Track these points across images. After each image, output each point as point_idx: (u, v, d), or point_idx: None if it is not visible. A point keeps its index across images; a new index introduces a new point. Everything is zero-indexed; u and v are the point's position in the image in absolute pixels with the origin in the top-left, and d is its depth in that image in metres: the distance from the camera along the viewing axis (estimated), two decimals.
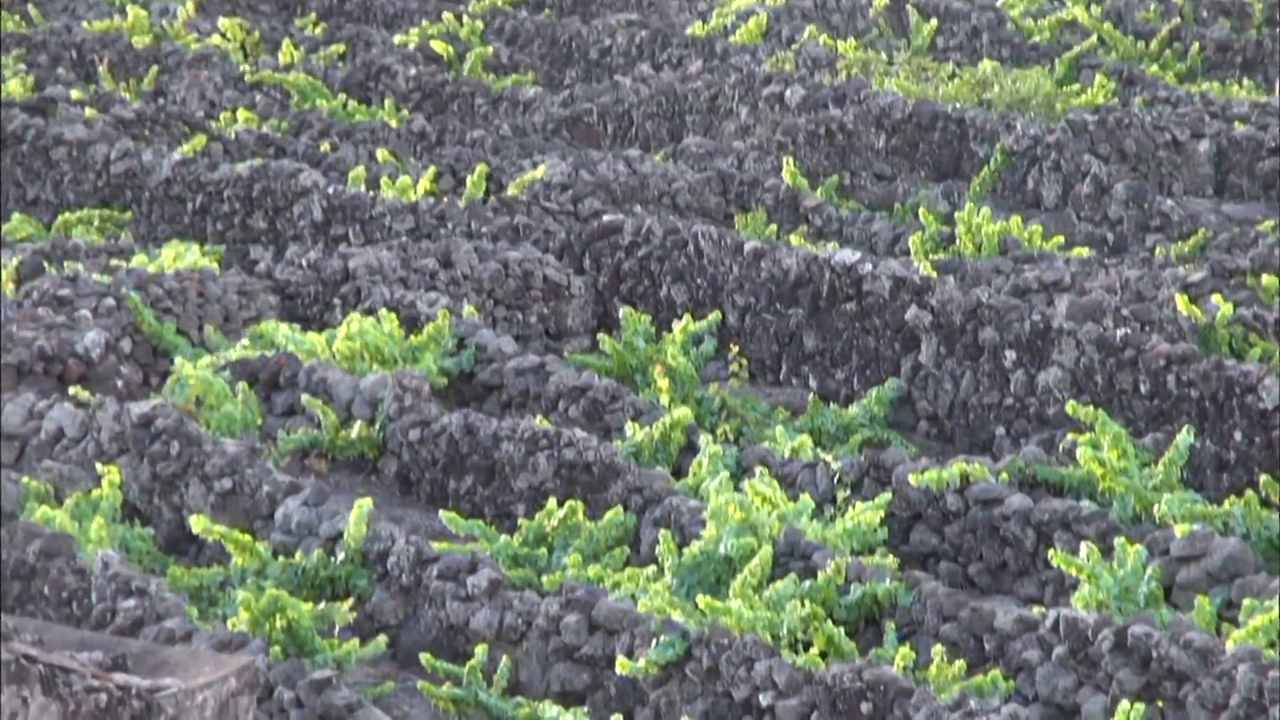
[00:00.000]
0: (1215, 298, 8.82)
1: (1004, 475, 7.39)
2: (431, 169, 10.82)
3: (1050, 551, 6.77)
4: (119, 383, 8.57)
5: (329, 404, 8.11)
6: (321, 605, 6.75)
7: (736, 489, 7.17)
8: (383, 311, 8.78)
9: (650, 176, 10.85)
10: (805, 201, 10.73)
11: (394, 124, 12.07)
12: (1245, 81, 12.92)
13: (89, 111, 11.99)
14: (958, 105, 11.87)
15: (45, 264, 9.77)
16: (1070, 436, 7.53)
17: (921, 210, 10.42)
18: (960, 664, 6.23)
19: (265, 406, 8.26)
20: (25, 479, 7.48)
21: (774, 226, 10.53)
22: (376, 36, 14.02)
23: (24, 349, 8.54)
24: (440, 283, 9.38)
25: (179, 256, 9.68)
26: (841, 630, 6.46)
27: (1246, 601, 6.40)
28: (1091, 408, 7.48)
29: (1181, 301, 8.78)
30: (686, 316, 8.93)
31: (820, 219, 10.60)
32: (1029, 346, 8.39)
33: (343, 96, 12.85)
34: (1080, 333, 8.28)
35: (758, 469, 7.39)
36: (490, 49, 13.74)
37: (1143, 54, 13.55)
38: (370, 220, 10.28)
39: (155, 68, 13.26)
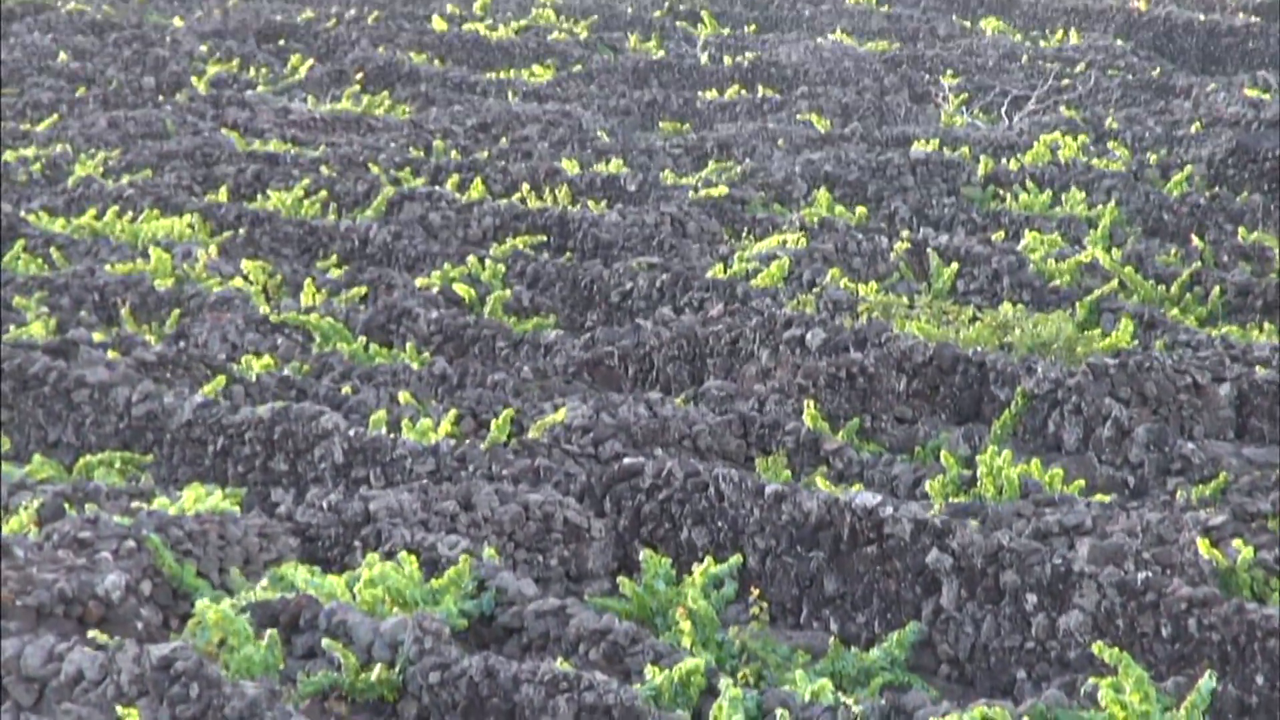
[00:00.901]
0: (1236, 542, 8.97)
1: (1026, 719, 7.52)
2: (453, 411, 11.02)
3: None
4: (139, 625, 8.73)
5: (349, 646, 8.25)
6: None
7: None
8: (403, 554, 8.95)
9: (671, 419, 11.07)
10: (826, 444, 10.91)
11: (415, 366, 12.32)
12: (1266, 325, 13.17)
13: (111, 354, 12.26)
14: (979, 349, 12.09)
15: (66, 506, 9.97)
16: (1092, 680, 7.66)
17: (943, 453, 10.60)
18: None
19: (286, 649, 8.40)
20: None
21: (795, 469, 10.72)
22: (398, 279, 14.33)
23: (44, 591, 8.70)
24: (461, 525, 9.56)
25: (200, 499, 9.87)
26: None
27: None
28: (1115, 650, 7.61)
29: (1203, 545, 8.93)
30: (707, 559, 9.08)
31: (841, 462, 10.78)
32: (1050, 590, 8.53)
33: (364, 339, 13.11)
34: (1101, 576, 8.43)
35: (778, 712, 7.51)
36: (511, 292, 14.04)
37: (1164, 297, 13.82)
38: (391, 463, 10.49)
39: (177, 310, 13.54)
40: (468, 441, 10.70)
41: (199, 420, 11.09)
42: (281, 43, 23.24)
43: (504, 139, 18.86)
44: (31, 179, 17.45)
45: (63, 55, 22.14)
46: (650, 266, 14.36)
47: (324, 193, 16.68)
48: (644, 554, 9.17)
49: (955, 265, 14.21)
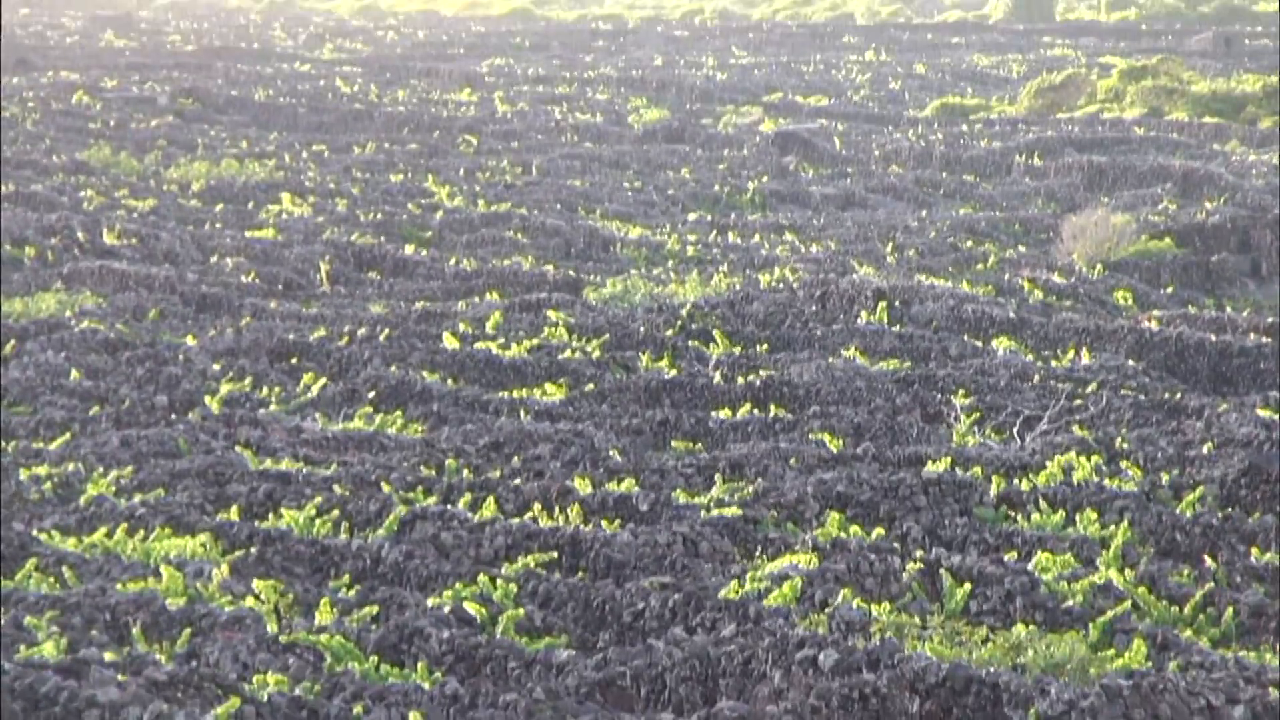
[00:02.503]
0: None
1: None
2: None
3: None
4: None
5: None
6: None
7: None
8: None
9: None
10: None
11: (427, 686, 12.54)
12: (1279, 646, 13.40)
13: (121, 675, 12.46)
14: (992, 669, 12.30)
15: None
16: None
17: None
18: None
19: None
20: None
21: None
22: (410, 599, 14.59)
23: None
24: None
25: None
26: None
27: None
28: None
29: None
30: None
31: None
32: None
33: (375, 658, 13.35)
34: None
35: None
36: (523, 611, 14.29)
37: (1177, 618, 14.06)
38: None
39: (189, 629, 13.79)
40: None
41: None
42: (294, 361, 23.77)
43: (516, 458, 19.26)
44: (44, 497, 17.85)
45: (75, 374, 22.68)
46: (662, 586, 14.64)
47: (336, 511, 17.05)
48: None
49: (968, 586, 14.47)
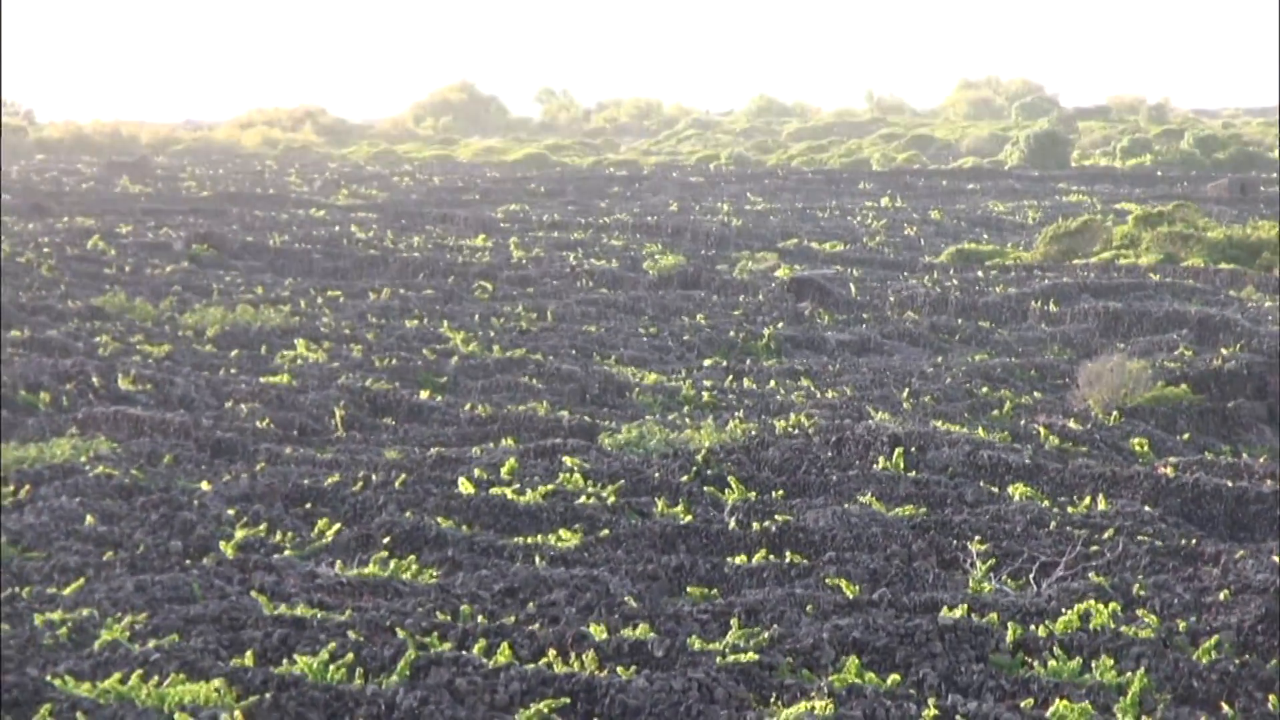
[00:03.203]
0: None
1: None
2: None
3: None
4: None
5: None
6: None
7: None
8: None
9: None
10: None
11: None
12: None
13: None
14: None
15: None
16: None
17: None
18: None
19: None
20: None
21: None
22: None
23: None
24: None
25: None
26: None
27: None
28: None
29: None
30: None
31: None
32: None
33: None
34: None
35: None
36: None
37: None
38: None
39: None
40: None
41: None
42: (308, 506, 23.93)
43: (531, 603, 19.37)
44: (58, 643, 17.97)
45: (89, 519, 22.85)
46: None
47: (350, 657, 17.15)
48: None
49: None
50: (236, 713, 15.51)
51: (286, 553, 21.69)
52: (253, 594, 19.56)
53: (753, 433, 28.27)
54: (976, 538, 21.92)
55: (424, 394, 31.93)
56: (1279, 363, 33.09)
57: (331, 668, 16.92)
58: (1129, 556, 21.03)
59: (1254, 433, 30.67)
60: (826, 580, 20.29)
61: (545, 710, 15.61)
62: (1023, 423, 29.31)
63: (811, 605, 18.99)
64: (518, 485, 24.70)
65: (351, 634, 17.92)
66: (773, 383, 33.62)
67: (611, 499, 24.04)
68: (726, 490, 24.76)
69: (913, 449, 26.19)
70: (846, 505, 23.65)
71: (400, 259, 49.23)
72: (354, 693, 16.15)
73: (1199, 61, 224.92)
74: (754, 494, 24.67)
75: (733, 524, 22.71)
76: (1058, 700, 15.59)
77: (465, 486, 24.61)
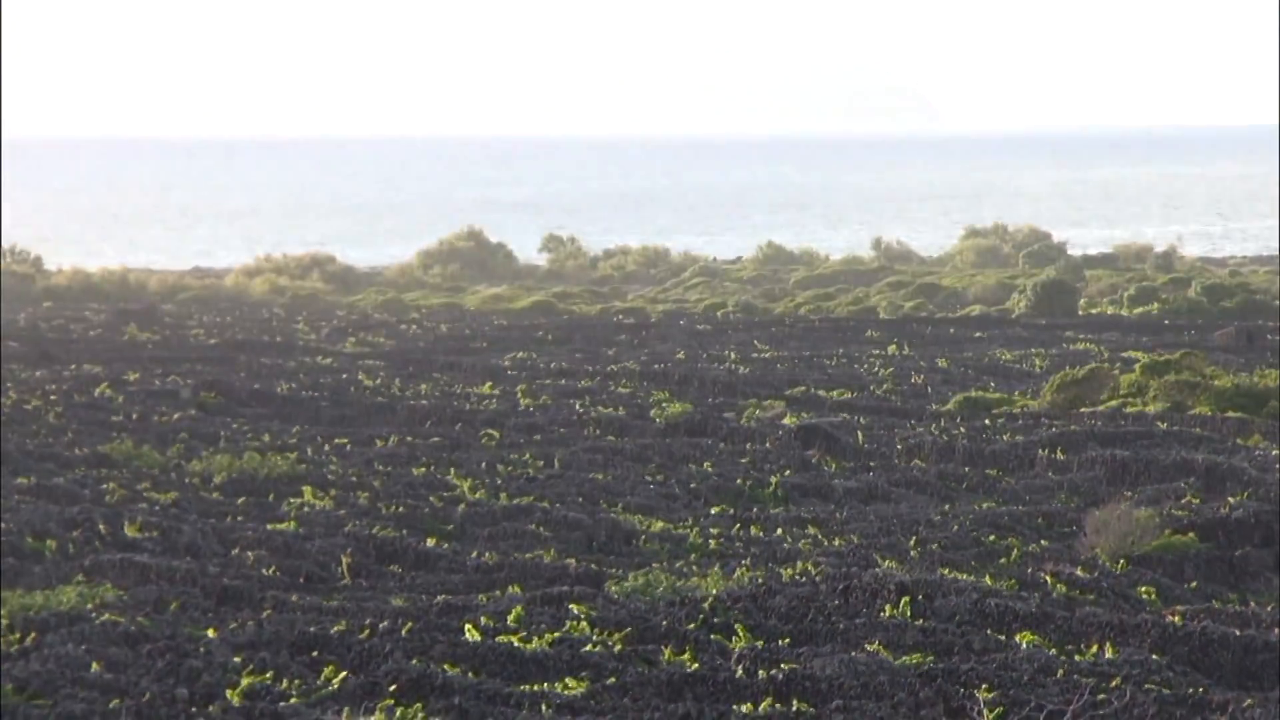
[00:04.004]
0: None
1: None
2: None
3: None
4: None
5: None
6: None
7: None
8: None
9: None
10: None
11: None
12: None
13: None
14: None
15: None
16: None
17: None
18: None
19: None
20: None
21: None
22: None
23: None
24: None
25: None
26: None
27: None
28: None
29: None
30: None
31: None
32: None
33: None
34: None
35: None
36: None
37: None
38: None
39: None
40: None
41: None
42: (315, 654, 24.02)
43: None
44: None
45: (95, 666, 22.96)
46: None
47: None
48: None
49: None
50: None
51: (293, 700, 21.77)
52: None
53: (760, 580, 28.37)
54: (984, 686, 21.99)
55: (431, 541, 32.07)
56: None
57: None
58: (1136, 705, 21.09)
59: (1261, 581, 30.75)
60: None
61: None
62: (1030, 571, 29.41)
63: None
64: (524, 633, 24.79)
65: None
66: (780, 530, 33.74)
67: (618, 647, 24.12)
68: (733, 638, 24.84)
69: (920, 597, 26.29)
70: (854, 653, 23.73)
71: (407, 406, 49.49)
72: None
73: (1207, 210, 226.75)
74: (761, 642, 24.74)
75: (740, 672, 22.79)
76: None
77: (472, 634, 24.70)
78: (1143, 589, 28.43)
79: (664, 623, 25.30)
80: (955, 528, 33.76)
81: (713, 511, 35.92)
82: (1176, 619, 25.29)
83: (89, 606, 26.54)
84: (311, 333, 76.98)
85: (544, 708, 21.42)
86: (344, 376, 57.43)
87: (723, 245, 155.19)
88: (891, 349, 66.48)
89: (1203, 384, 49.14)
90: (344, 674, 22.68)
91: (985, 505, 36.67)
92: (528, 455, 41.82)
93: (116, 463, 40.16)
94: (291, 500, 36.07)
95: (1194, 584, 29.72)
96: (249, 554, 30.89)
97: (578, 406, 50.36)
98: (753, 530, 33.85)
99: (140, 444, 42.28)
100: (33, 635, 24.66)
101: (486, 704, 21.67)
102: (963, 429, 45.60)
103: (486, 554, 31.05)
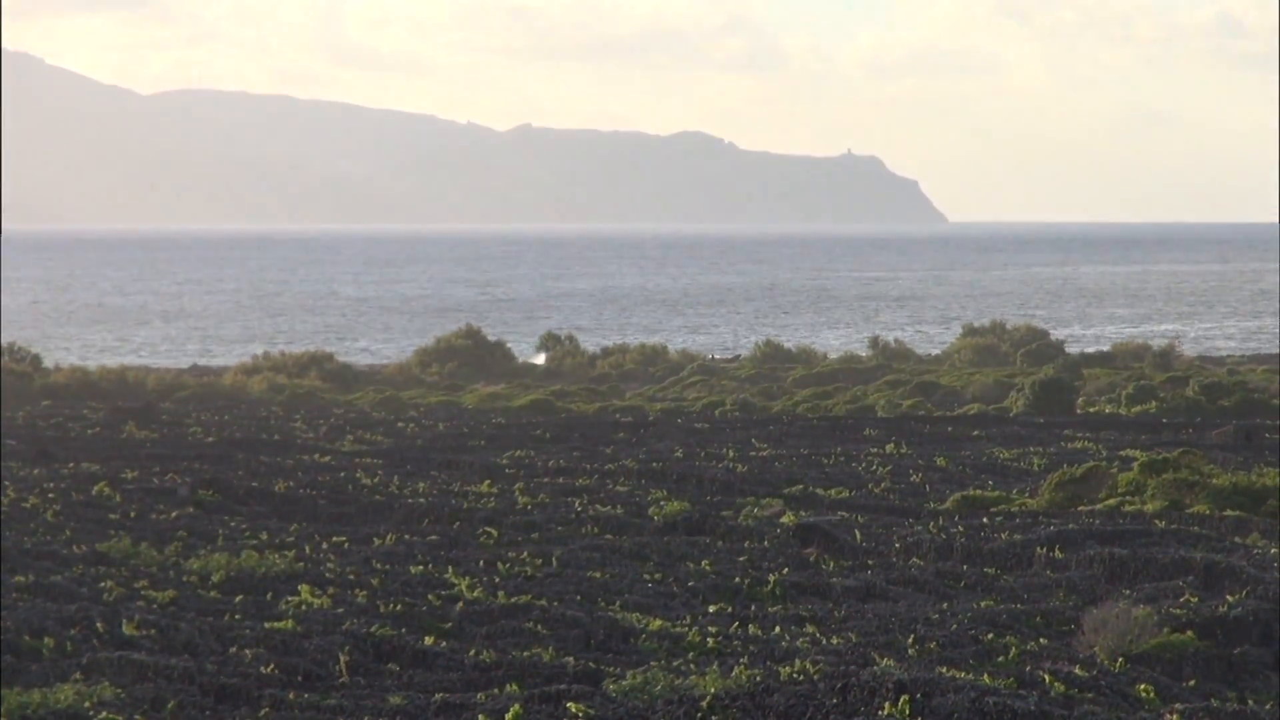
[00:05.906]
0: None
1: None
2: None
3: None
4: None
5: None
6: None
7: None
8: None
9: None
10: None
11: None
12: None
13: None
14: None
15: None
16: None
17: None
18: None
19: None
20: None
21: None
22: None
23: None
24: None
25: None
26: None
27: None
28: None
29: None
30: None
31: None
32: None
33: None
34: None
35: None
36: None
37: None
38: None
39: None
40: None
41: None
42: None
43: None
44: None
45: None
46: None
47: None
48: None
49: None
50: None
51: None
52: None
53: (758, 679, 28.42)
54: None
55: (429, 640, 32.12)
56: None
57: None
58: None
59: (1260, 680, 30.80)
60: None
61: None
62: (1028, 669, 29.46)
63: None
64: None
65: None
66: (778, 629, 33.80)
67: None
68: None
69: (918, 695, 26.34)
70: None
71: (405, 505, 49.60)
72: None
73: (1207, 307, 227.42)
74: None
75: None
76: None
77: None
78: (1141, 687, 28.48)
79: None
80: (953, 626, 33.82)
81: (711, 610, 35.98)
82: (1175, 718, 25.34)
83: (86, 705, 26.58)
84: (309, 431, 77.13)
85: None
86: (342, 475, 57.54)
87: (715, 338, 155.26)
88: (890, 447, 66.63)
89: (1201, 483, 49.27)
90: None
91: (983, 603, 36.73)
92: (526, 554, 41.89)
93: (114, 561, 40.23)
94: (289, 598, 36.12)
95: (1193, 682, 29.77)
96: (247, 652, 30.94)
97: (576, 505, 50.46)
98: (751, 628, 33.91)
99: (138, 542, 42.36)
100: None
101: None
102: (961, 527, 45.70)
103: (484, 652, 31.11)
